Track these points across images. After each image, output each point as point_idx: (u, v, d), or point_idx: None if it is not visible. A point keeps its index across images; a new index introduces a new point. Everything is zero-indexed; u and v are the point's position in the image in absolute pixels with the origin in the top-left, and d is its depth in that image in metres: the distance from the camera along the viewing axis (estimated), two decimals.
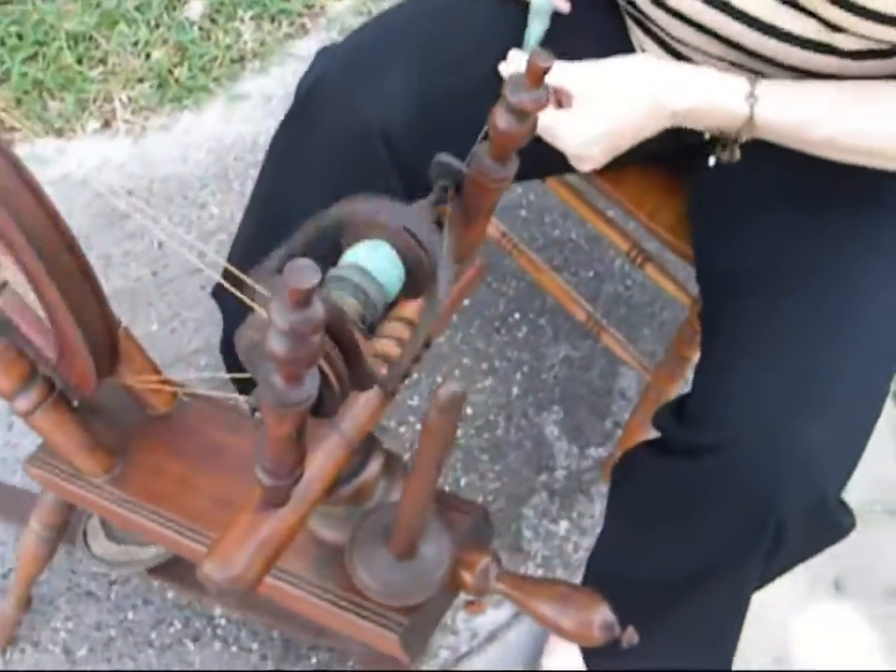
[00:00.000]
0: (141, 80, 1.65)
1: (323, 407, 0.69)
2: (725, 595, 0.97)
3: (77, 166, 1.60)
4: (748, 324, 0.95)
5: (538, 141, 0.92)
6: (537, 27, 0.96)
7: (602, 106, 0.87)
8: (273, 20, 1.76)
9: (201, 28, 1.71)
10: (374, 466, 0.85)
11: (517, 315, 1.64)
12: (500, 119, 0.71)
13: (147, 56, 1.67)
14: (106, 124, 1.63)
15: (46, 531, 1.12)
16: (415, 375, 1.57)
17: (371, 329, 0.74)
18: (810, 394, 0.90)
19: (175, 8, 1.72)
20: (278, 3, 1.77)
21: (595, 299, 1.68)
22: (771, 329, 0.93)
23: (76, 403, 1.03)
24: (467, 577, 0.84)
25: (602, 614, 0.79)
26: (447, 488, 1.47)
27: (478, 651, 1.36)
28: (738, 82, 0.87)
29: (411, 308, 0.88)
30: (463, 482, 1.49)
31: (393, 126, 0.94)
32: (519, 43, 0.97)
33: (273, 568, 0.89)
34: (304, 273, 0.55)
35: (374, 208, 0.75)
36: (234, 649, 1.31)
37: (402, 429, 1.52)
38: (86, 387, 0.97)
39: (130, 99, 1.64)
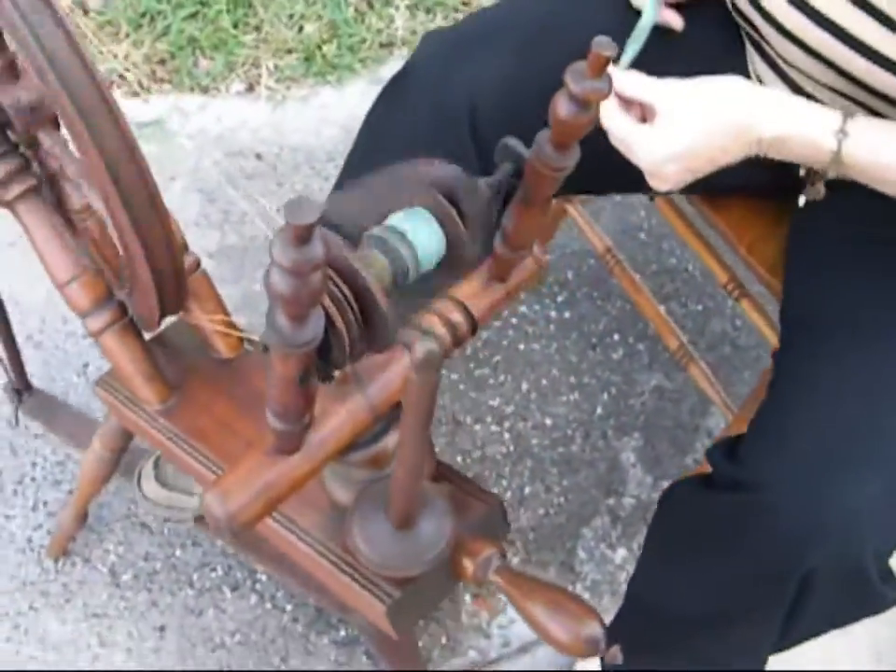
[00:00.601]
0: (290, 51, 1.71)
1: (331, 356, 0.70)
2: (738, 644, 0.92)
3: (215, 123, 1.66)
4: (815, 370, 0.91)
5: (618, 155, 0.90)
6: (635, 44, 0.95)
7: (683, 124, 0.84)
8: (428, 11, 1.79)
9: (356, 10, 1.76)
10: (396, 436, 0.84)
11: (616, 336, 1.61)
12: (561, 106, 0.70)
13: (300, 29, 1.72)
14: (250, 88, 1.69)
15: (106, 453, 1.17)
16: (501, 377, 1.56)
17: (401, 289, 0.74)
18: (865, 452, 0.85)
19: None
20: None
21: (700, 333, 1.63)
22: (838, 378, 0.89)
23: (147, 336, 1.07)
24: (467, 564, 0.83)
25: (590, 628, 0.76)
26: (510, 493, 1.46)
27: (507, 659, 1.34)
28: (830, 116, 0.83)
29: (464, 290, 0.87)
30: (527, 490, 1.47)
31: (480, 108, 0.94)
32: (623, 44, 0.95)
33: (282, 517, 0.91)
34: (304, 209, 0.56)
35: (427, 170, 0.75)
36: (269, 605, 1.33)
37: (477, 427, 1.51)
38: (150, 320, 1.00)
39: (276, 67, 1.69)
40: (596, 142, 0.90)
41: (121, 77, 1.65)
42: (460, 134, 0.96)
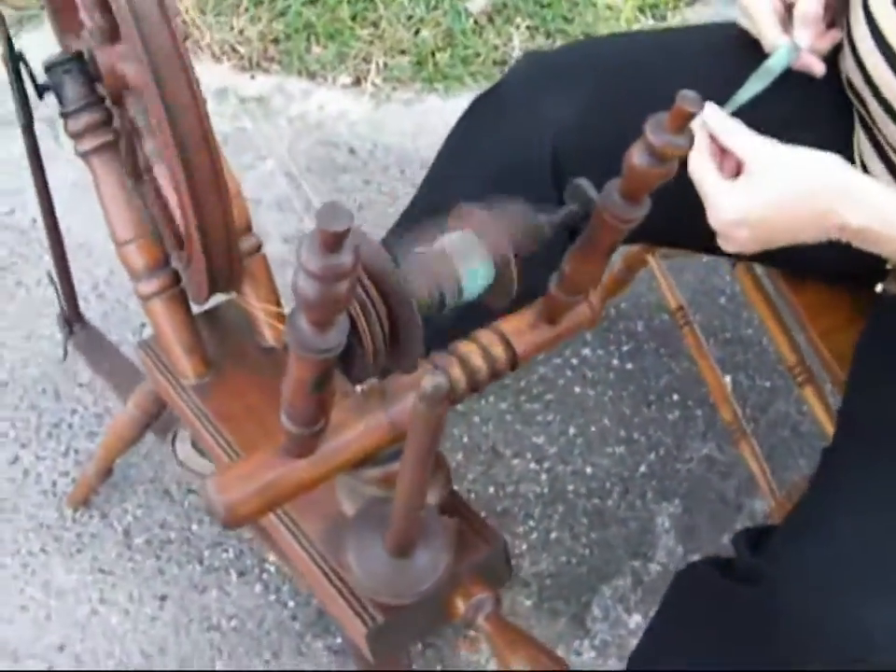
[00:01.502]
0: (403, 52, 1.70)
1: (354, 368, 0.68)
2: None
3: (316, 110, 1.66)
4: (859, 480, 0.86)
5: (694, 209, 0.86)
6: (755, 85, 0.90)
7: (767, 192, 0.80)
8: (548, 35, 1.77)
9: (476, 22, 1.75)
10: None
11: (675, 397, 1.56)
12: (636, 155, 0.67)
13: (417, 32, 1.71)
14: (357, 82, 1.69)
15: (138, 414, 1.17)
16: (550, 416, 1.53)
17: (439, 311, 0.71)
18: (890, 577, 0.80)
19: None
20: (560, 22, 1.77)
21: (763, 411, 1.57)
22: (881, 491, 0.84)
23: (197, 309, 1.07)
24: (459, 604, 0.80)
25: None
26: (535, 535, 1.42)
27: None
28: None
29: (511, 324, 0.85)
30: (554, 535, 1.43)
31: (565, 139, 0.92)
32: (726, 94, 0.91)
33: (286, 516, 0.90)
34: (336, 216, 0.54)
35: (486, 203, 0.73)
36: (272, 597, 1.32)
37: (516, 461, 1.48)
38: (199, 294, 1.00)
39: (386, 66, 1.69)
40: (674, 192, 0.87)
41: (233, 49, 1.67)
42: (540, 163, 0.93)
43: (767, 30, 0.91)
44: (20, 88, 1.04)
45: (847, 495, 0.86)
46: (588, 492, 1.47)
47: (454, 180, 1.01)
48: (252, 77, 1.67)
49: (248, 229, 1.04)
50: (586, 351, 1.57)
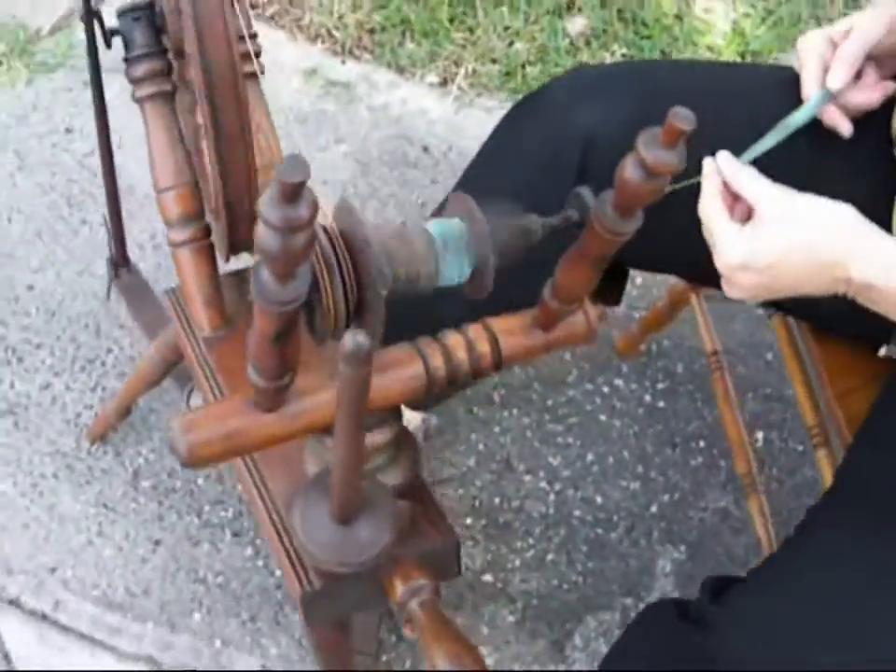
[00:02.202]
0: (494, 61, 1.72)
1: (315, 327, 0.70)
2: None
3: (399, 104, 1.69)
4: (830, 540, 0.85)
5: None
6: (774, 137, 0.89)
7: (774, 239, 0.79)
8: None
9: (572, 43, 1.75)
10: (381, 436, 0.83)
11: (701, 443, 1.54)
12: (627, 168, 0.68)
13: (511, 44, 1.73)
14: (443, 83, 1.71)
15: (158, 358, 1.21)
16: (570, 439, 1.52)
17: (414, 289, 0.72)
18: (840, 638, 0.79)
19: (561, 15, 1.77)
20: (657, 56, 1.77)
21: (790, 474, 1.53)
22: (849, 555, 0.82)
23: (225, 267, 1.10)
24: (398, 585, 0.81)
25: None
26: (531, 553, 1.42)
27: None
28: None
29: (501, 324, 0.85)
30: (550, 556, 1.42)
31: (594, 143, 0.92)
32: (760, 134, 0.90)
33: (254, 468, 0.92)
34: (295, 167, 0.56)
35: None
36: (260, 563, 1.34)
37: (527, 477, 1.48)
38: (221, 252, 1.03)
39: (475, 72, 1.71)
40: (690, 227, 0.86)
41: (329, 32, 1.71)
42: (567, 168, 0.94)
43: (807, 76, 0.90)
44: (90, 33, 1.09)
45: (814, 555, 0.85)
46: (594, 521, 1.46)
47: (487, 178, 1.02)
48: (343, 63, 1.71)
49: None
50: (619, 382, 1.56)
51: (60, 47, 1.70)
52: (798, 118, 0.90)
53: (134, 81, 1.02)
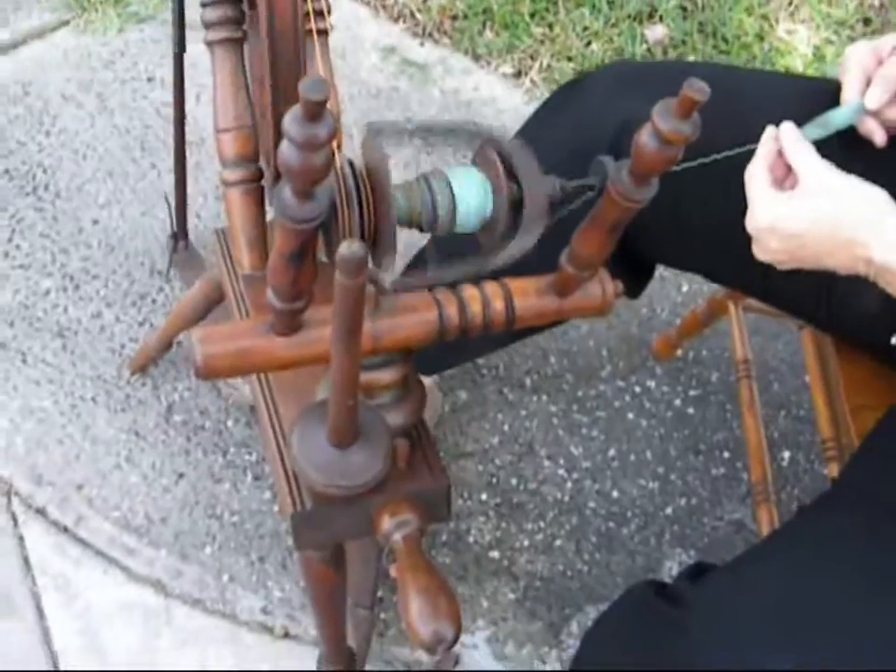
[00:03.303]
0: (569, 59, 1.75)
1: (332, 250, 0.73)
2: None
3: (470, 89, 1.73)
4: (810, 537, 0.86)
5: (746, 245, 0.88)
6: (810, 132, 0.91)
7: (806, 209, 0.81)
8: None
9: (649, 49, 1.78)
10: (389, 374, 0.87)
11: (726, 454, 1.55)
12: (643, 136, 0.70)
13: (588, 44, 1.76)
14: (517, 75, 1.74)
15: (200, 296, 1.26)
16: (595, 432, 1.54)
17: (431, 229, 0.76)
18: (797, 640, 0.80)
19: (642, 21, 1.79)
20: None
21: (811, 496, 1.53)
22: (826, 553, 0.84)
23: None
24: (385, 518, 0.84)
25: (443, 627, 0.76)
26: (540, 536, 1.44)
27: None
28: None
29: (518, 284, 0.88)
30: (558, 542, 1.44)
31: (628, 129, 0.94)
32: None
33: (269, 393, 0.96)
34: (317, 86, 0.59)
35: (512, 149, 0.77)
36: (276, 508, 1.38)
37: (547, 463, 1.50)
38: (270, 198, 1.08)
39: (549, 67, 1.74)
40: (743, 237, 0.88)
41: (412, 14, 1.76)
42: (599, 150, 0.96)
43: (847, 85, 0.91)
44: None
45: (795, 547, 0.86)
46: (607, 514, 1.48)
47: (533, 143, 1.05)
48: (421, 45, 1.75)
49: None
50: (651, 383, 1.57)
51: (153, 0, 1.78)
52: (837, 118, 0.91)
53: (208, 25, 1.07)
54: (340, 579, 1.03)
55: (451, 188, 0.74)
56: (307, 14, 1.03)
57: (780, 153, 0.85)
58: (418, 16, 1.75)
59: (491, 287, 0.87)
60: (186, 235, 1.43)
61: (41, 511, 1.35)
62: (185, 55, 1.23)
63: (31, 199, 1.55)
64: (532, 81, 1.74)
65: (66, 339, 1.46)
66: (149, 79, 1.68)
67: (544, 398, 1.54)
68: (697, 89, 0.66)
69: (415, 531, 0.84)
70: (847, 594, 0.81)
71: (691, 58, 1.79)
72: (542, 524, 1.45)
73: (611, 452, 1.52)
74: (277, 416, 0.93)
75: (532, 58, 1.75)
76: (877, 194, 0.82)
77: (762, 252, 0.85)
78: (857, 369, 1.10)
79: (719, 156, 0.87)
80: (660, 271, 1.40)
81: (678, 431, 1.55)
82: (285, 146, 0.63)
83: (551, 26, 1.76)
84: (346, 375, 0.71)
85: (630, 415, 1.55)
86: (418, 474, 0.88)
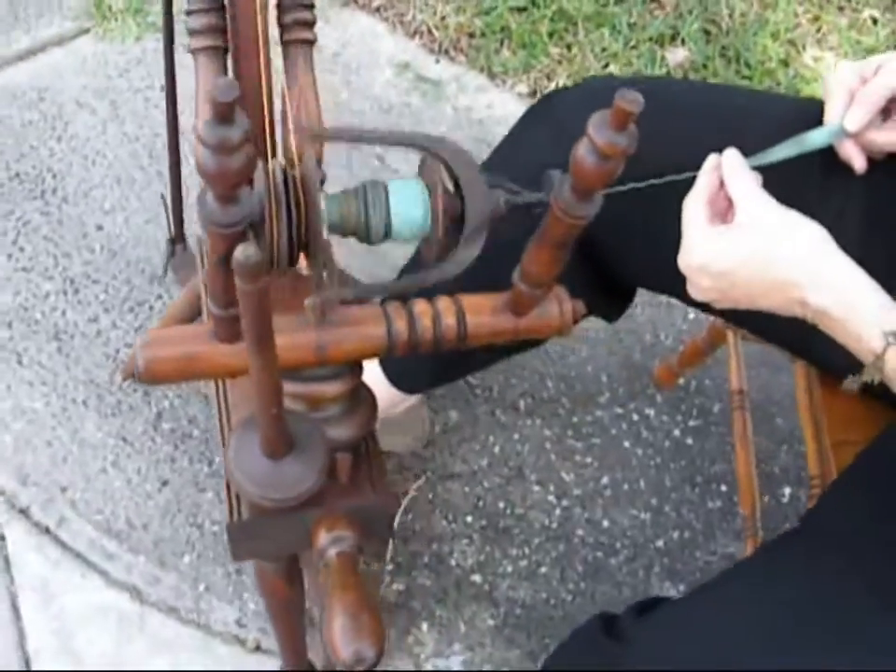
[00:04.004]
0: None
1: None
2: None
3: (484, 107, 1.72)
4: (762, 574, 0.83)
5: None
6: (784, 150, 0.88)
7: (739, 246, 0.78)
8: None
9: (669, 73, 1.75)
10: (336, 386, 0.85)
11: (723, 487, 1.50)
12: (580, 150, 0.68)
13: (606, 65, 1.74)
14: (532, 93, 1.73)
15: (186, 305, 1.27)
16: (588, 458, 1.50)
17: (366, 239, 0.75)
18: None
19: (662, 44, 1.77)
20: None
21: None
22: (779, 596, 0.80)
23: None
24: (322, 532, 0.83)
25: (363, 647, 0.74)
26: (524, 562, 1.41)
27: None
28: (892, 314, 0.73)
29: (472, 301, 0.86)
30: (543, 569, 1.41)
31: None
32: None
33: (223, 397, 0.95)
34: (227, 88, 0.59)
35: (457, 161, 0.76)
36: None
37: (537, 488, 1.47)
38: None
39: (565, 87, 1.72)
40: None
41: (429, 30, 1.75)
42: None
43: (830, 107, 0.88)
44: None
45: (740, 585, 0.83)
46: (595, 543, 1.44)
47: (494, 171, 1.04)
48: (437, 62, 1.75)
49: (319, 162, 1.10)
50: (650, 411, 1.54)
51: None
52: (814, 138, 0.88)
53: (192, 33, 1.08)
54: (294, 592, 1.01)
55: (387, 198, 0.73)
56: (292, 24, 1.03)
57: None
58: (435, 33, 1.75)
59: (443, 303, 0.85)
60: (183, 238, 1.43)
61: (24, 511, 1.36)
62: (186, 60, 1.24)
63: (38, 202, 1.57)
64: None
65: (62, 342, 1.47)
66: (162, 88, 1.69)
67: (538, 421, 1.52)
68: (630, 100, 0.64)
69: (351, 548, 0.82)
70: (777, 633, 0.78)
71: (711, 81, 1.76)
72: (527, 550, 1.43)
73: (604, 480, 1.49)
74: (228, 418, 0.92)
75: (548, 78, 1.74)
76: (814, 232, 0.78)
77: (694, 291, 0.82)
78: (840, 403, 1.07)
79: (679, 177, 0.84)
80: (666, 297, 1.38)
81: (674, 462, 1.51)
82: (199, 149, 0.63)
83: (569, 46, 1.75)
84: (264, 383, 0.70)
85: (626, 443, 1.52)
86: (360, 490, 0.86)
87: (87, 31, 1.74)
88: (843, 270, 0.76)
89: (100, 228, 1.56)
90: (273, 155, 0.87)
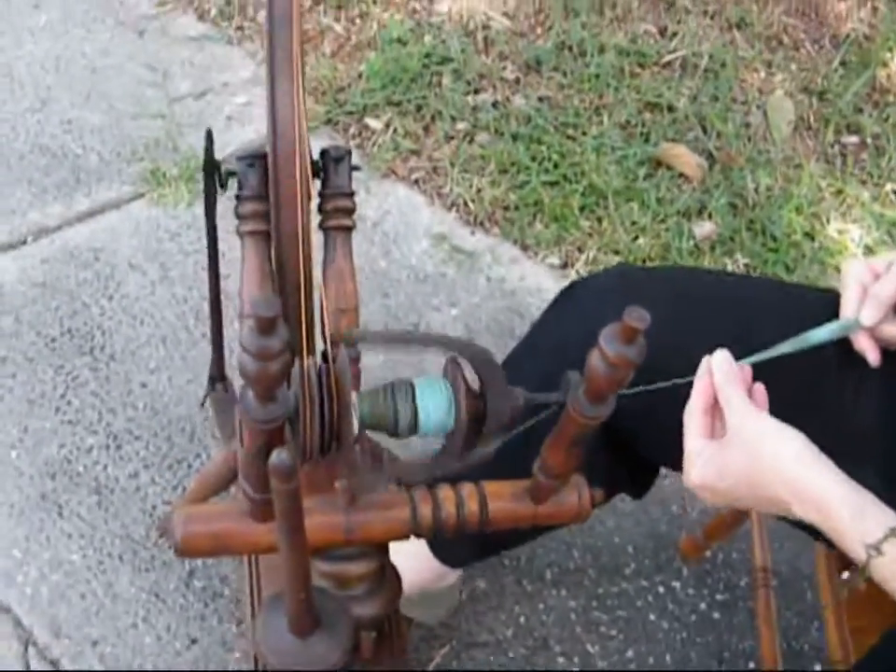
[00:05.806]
0: (616, 252, 1.80)
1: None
2: None
3: (517, 279, 1.79)
4: None
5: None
6: (787, 346, 0.92)
7: (729, 465, 0.82)
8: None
9: (696, 245, 1.81)
10: (362, 566, 0.89)
11: (751, 664, 1.49)
12: (593, 358, 0.73)
13: (635, 238, 1.81)
14: (564, 266, 1.80)
15: (224, 465, 1.31)
16: (613, 631, 1.50)
17: (394, 434, 0.79)
18: None
19: (690, 217, 1.84)
20: (780, 269, 1.80)
21: None
22: None
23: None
24: None
25: None
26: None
27: None
28: (872, 525, 0.76)
29: (494, 487, 0.90)
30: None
31: None
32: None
33: (255, 566, 0.99)
34: (268, 304, 0.64)
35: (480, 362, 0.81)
36: None
37: (560, 659, 1.46)
38: None
39: (595, 259, 1.79)
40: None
41: (465, 203, 1.84)
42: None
43: (845, 301, 0.93)
44: (208, 173, 1.26)
45: None
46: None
47: (524, 361, 1.09)
48: (472, 233, 1.83)
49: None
50: (676, 584, 1.54)
51: (222, 179, 1.90)
52: (818, 335, 0.93)
53: (240, 217, 1.16)
54: None
55: (414, 397, 0.78)
56: (333, 211, 1.11)
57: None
58: (471, 205, 1.84)
59: (467, 489, 0.89)
60: (223, 377, 1.48)
61: (55, 663, 1.38)
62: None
63: (87, 358, 1.65)
64: (578, 273, 1.79)
65: (102, 496, 1.52)
66: None
67: (564, 592, 1.52)
68: (637, 317, 0.69)
69: None
70: None
71: (737, 255, 1.82)
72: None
73: (629, 653, 1.48)
74: (259, 595, 0.95)
75: (580, 250, 1.81)
76: (791, 447, 0.81)
77: (708, 501, 0.86)
78: (865, 588, 1.07)
79: (681, 381, 0.88)
80: None
81: (701, 636, 1.50)
82: (242, 354, 0.68)
83: (599, 220, 1.83)
84: (293, 567, 0.73)
85: (652, 616, 1.52)
86: (381, 666, 0.88)
87: (142, 195, 1.85)
88: (818, 483, 0.79)
89: (144, 385, 1.63)
90: (311, 352, 0.93)
